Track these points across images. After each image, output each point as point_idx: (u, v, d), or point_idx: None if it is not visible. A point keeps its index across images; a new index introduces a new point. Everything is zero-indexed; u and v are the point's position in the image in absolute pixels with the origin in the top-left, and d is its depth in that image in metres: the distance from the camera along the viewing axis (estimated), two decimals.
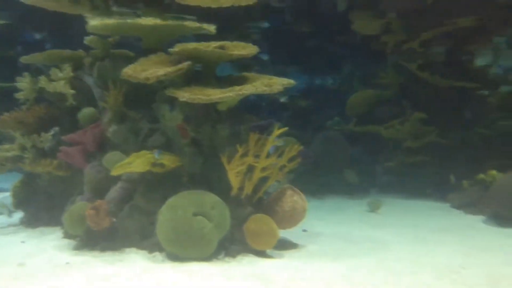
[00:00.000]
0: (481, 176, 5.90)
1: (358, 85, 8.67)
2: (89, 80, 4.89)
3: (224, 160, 4.04)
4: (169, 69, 3.92)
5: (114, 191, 4.35)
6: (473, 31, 6.54)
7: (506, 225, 5.15)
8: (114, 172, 4.13)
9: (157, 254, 4.01)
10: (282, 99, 8.49)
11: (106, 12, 4.63)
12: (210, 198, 3.98)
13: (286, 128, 4.24)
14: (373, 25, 7.07)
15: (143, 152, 4.14)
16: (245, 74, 4.49)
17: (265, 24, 7.99)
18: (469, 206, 5.95)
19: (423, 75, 6.89)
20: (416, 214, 5.87)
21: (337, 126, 8.26)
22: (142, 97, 4.55)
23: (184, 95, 3.81)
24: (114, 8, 4.76)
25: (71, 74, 4.83)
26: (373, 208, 6.12)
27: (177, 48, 4.11)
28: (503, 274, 3.55)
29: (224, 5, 4.23)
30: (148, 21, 4.18)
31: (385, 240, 4.63)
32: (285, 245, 4.35)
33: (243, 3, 4.25)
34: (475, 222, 5.44)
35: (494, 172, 5.74)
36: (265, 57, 9.03)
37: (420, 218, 5.66)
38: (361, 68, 9.38)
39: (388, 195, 7.10)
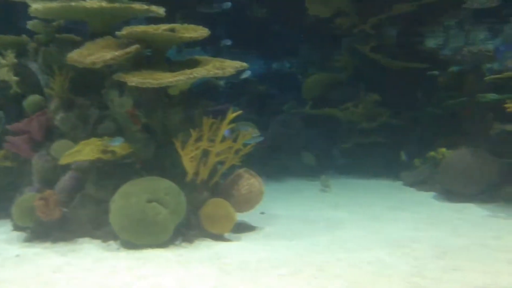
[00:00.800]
0: (432, 153, 6.08)
1: (314, 68, 8.72)
2: (34, 66, 4.70)
3: (177, 145, 3.98)
4: (117, 53, 3.80)
5: (64, 181, 4.21)
6: (422, 14, 6.67)
7: (455, 200, 5.35)
8: (63, 161, 4.00)
9: (111, 243, 3.93)
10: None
11: None
12: (164, 184, 3.92)
13: (240, 112, 4.22)
14: (327, 8, 7.10)
15: (93, 139, 4.03)
16: (197, 57, 4.42)
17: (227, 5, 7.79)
18: (421, 183, 6.14)
19: (376, 57, 7.00)
20: (370, 193, 6.01)
21: (294, 109, 8.29)
22: (91, 83, 4.41)
23: (133, 79, 3.71)
24: None
25: (14, 60, 4.62)
26: (324, 185, 6.25)
27: (125, 31, 3.99)
28: (450, 245, 3.69)
29: None
30: (93, 3, 4.03)
31: (341, 219, 4.72)
32: (242, 228, 4.36)
33: None
34: (426, 198, 5.62)
35: (443, 149, 5.92)
36: (228, 42, 8.90)
37: (374, 196, 5.80)
38: (317, 51, 9.43)
39: (344, 176, 7.23)
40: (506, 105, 4.65)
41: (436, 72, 6.72)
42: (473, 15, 7.50)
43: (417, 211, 4.97)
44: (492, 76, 5.37)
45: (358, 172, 7.19)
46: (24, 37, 4.83)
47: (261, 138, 5.81)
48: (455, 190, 5.44)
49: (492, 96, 5.67)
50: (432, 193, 5.80)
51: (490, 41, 9.37)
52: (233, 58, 4.40)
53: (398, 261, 3.36)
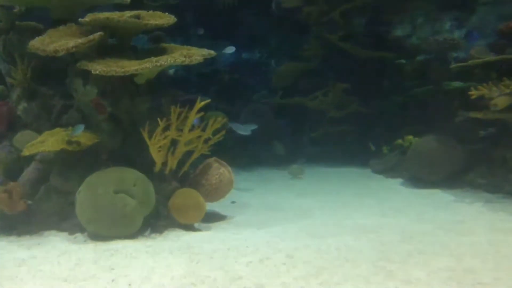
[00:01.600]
0: (399, 141, 6.18)
1: (284, 58, 8.72)
2: None
3: (145, 135, 3.92)
4: (80, 41, 3.70)
5: (28, 173, 4.11)
6: (390, 3, 6.74)
7: (422, 186, 5.46)
8: (26, 152, 3.89)
9: (78, 235, 3.86)
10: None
11: None
12: (132, 175, 3.86)
13: (209, 100, 4.19)
14: None
15: (57, 129, 3.94)
16: (164, 45, 4.37)
17: None
18: (389, 170, 6.24)
19: (344, 46, 7.04)
20: (339, 181, 6.08)
21: (264, 99, 8.29)
22: (54, 72, 4.30)
23: (97, 67, 3.63)
24: None
25: None
26: (295, 174, 6.29)
27: (88, 18, 3.89)
28: (415, 230, 3.77)
29: None
30: None
31: (310, 206, 4.75)
32: (213, 218, 4.35)
33: None
34: (394, 185, 5.72)
35: (410, 137, 6.02)
36: (201, 32, 8.80)
37: (343, 184, 5.86)
38: (287, 41, 9.42)
39: (314, 165, 7.28)
40: (470, 93, 4.74)
41: (403, 61, 6.81)
42: (439, 4, 7.61)
43: (384, 198, 5.05)
44: (457, 64, 5.47)
45: (328, 160, 7.25)
46: None
47: (255, 126, 5.83)
48: (421, 177, 5.54)
49: (457, 84, 5.79)
50: (399, 180, 5.90)
51: (456, 31, 9.55)
52: (202, 47, 4.36)
53: (365, 246, 3.41)
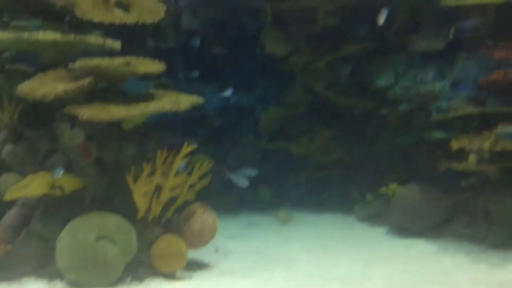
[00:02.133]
0: (383, 189, 6.22)
1: (271, 103, 8.86)
2: None
3: (129, 179, 3.90)
4: (69, 86, 3.74)
5: (9, 217, 4.03)
6: (372, 54, 6.95)
7: (406, 235, 5.46)
8: (8, 197, 3.83)
9: (57, 282, 3.77)
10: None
11: (1, 24, 4.33)
12: (115, 221, 3.82)
13: (196, 146, 4.21)
14: (283, 48, 7.31)
15: (41, 173, 3.90)
16: (153, 91, 4.41)
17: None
18: (373, 218, 6.24)
19: (328, 95, 7.19)
20: (324, 228, 6.05)
21: (250, 143, 8.35)
22: (41, 115, 4.30)
23: (85, 113, 3.65)
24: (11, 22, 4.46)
25: None
26: (282, 219, 6.28)
27: (78, 64, 3.94)
28: (401, 282, 3.75)
29: (128, 22, 4.13)
30: (47, 35, 3.96)
31: (295, 254, 4.72)
32: (195, 266, 4.28)
33: (148, 20, 4.18)
34: (378, 234, 5.71)
35: (394, 185, 6.07)
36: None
37: (328, 231, 5.84)
38: (273, 87, 9.60)
39: (300, 210, 7.25)
40: (451, 144, 4.84)
41: (386, 110, 6.95)
42: (421, 56, 7.87)
43: (369, 246, 5.04)
44: (438, 116, 5.62)
45: (313, 206, 7.24)
46: None
47: (255, 173, 5.84)
48: (405, 226, 5.56)
49: (438, 134, 5.91)
50: (384, 228, 5.90)
51: (438, 81, 9.83)
52: (190, 91, 4.43)
53: None
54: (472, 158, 4.55)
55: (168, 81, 4.93)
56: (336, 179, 7.24)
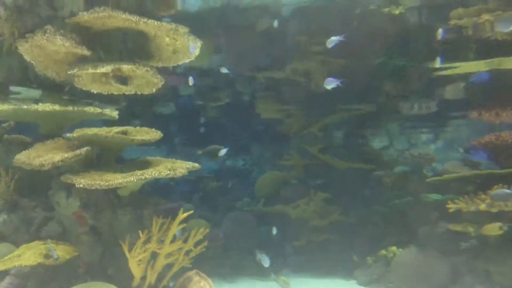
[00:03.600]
0: (383, 252, 6.15)
1: (266, 166, 8.94)
2: None
3: (125, 248, 3.86)
4: (66, 155, 3.79)
5: None
6: (366, 117, 7.12)
7: None
8: (2, 266, 3.77)
9: None
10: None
11: (1, 95, 4.46)
12: None
13: (192, 212, 4.20)
14: (278, 113, 7.50)
15: (35, 243, 3.86)
16: (149, 158, 4.46)
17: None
18: (374, 282, 6.11)
19: (323, 158, 7.28)
20: None
21: (247, 206, 8.32)
22: (38, 184, 4.32)
23: (81, 181, 3.67)
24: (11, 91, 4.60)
25: None
26: (282, 286, 6.13)
27: (76, 133, 4.02)
28: None
29: (127, 93, 4.26)
30: (46, 107, 4.07)
31: None
32: None
33: (146, 92, 4.31)
34: None
35: (394, 248, 6.01)
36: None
37: None
38: (268, 150, 9.73)
39: (299, 275, 7.11)
40: (448, 206, 4.86)
41: (381, 172, 7.02)
42: (414, 119, 8.05)
43: None
44: (433, 178, 5.68)
45: (312, 269, 7.11)
46: None
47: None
48: None
49: (435, 196, 5.93)
50: None
51: (431, 144, 10.01)
52: (187, 155, 4.48)
53: None
54: (471, 229, 4.58)
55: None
56: (335, 242, 7.16)
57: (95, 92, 4.29)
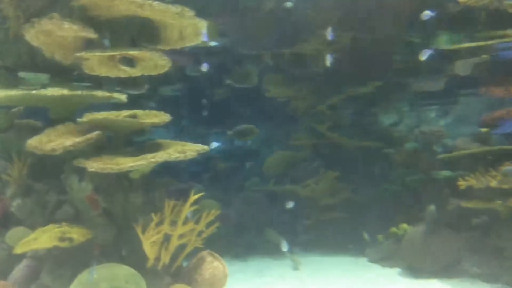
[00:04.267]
0: (394, 229, 6.17)
1: (275, 146, 8.94)
2: None
3: (138, 230, 3.91)
4: (77, 140, 3.81)
5: (19, 270, 4.04)
6: (375, 95, 7.05)
7: (419, 276, 5.38)
8: (18, 250, 3.83)
9: None
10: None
11: (10, 80, 4.46)
12: (124, 271, 3.80)
13: (203, 193, 4.23)
14: (286, 91, 7.44)
15: (50, 226, 3.91)
16: (159, 140, 4.48)
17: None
18: (385, 259, 6.16)
19: (332, 136, 7.25)
20: (337, 271, 5.95)
21: (256, 186, 8.35)
22: (49, 168, 4.36)
23: (93, 165, 3.70)
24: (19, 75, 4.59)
25: None
26: (296, 263, 6.22)
27: (86, 118, 4.03)
28: None
29: (134, 75, 4.26)
30: (55, 91, 4.05)
31: None
32: None
33: (153, 73, 4.30)
34: (391, 275, 5.63)
35: (405, 225, 6.03)
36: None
37: (341, 275, 5.75)
38: (277, 129, 9.70)
39: (310, 253, 7.17)
40: (459, 183, 4.84)
41: (391, 150, 6.98)
42: (423, 95, 7.97)
43: None
44: (444, 155, 5.65)
45: (323, 248, 7.16)
46: None
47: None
48: (418, 266, 5.48)
49: (446, 173, 5.91)
50: (396, 269, 5.82)
51: (441, 119, 9.92)
52: (195, 136, 4.49)
53: None
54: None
55: None
56: (345, 220, 7.19)
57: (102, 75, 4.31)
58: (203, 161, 9.79)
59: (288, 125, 8.53)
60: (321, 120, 7.31)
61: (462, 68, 6.10)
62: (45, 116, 4.77)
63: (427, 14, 4.80)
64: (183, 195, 4.28)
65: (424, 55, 5.09)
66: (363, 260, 6.42)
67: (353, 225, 7.06)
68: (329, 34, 4.91)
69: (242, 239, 7.41)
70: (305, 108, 7.50)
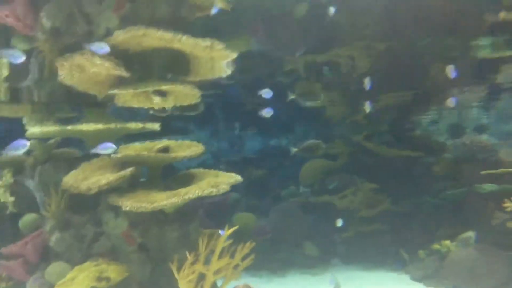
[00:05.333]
0: (436, 246, 5.96)
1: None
2: (31, 184, 4.68)
3: (173, 268, 3.89)
4: (111, 178, 3.81)
5: None
6: (412, 103, 6.81)
7: None
8: None
9: None
10: None
11: (46, 116, 4.53)
12: None
13: (236, 227, 4.13)
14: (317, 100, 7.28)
15: (87, 264, 3.95)
16: (192, 171, 4.45)
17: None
18: (429, 277, 5.94)
19: (369, 146, 7.06)
20: None
21: (292, 196, 8.24)
22: (87, 199, 4.39)
23: (127, 203, 3.70)
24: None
25: (11, 180, 4.63)
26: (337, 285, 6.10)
27: (120, 154, 4.03)
28: None
29: (166, 107, 4.24)
30: (90, 127, 4.09)
31: None
32: None
33: (185, 103, 4.27)
34: None
35: (447, 242, 5.82)
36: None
37: None
38: (312, 131, 9.56)
39: (350, 266, 7.04)
40: (505, 205, 4.60)
41: (431, 159, 6.74)
42: (464, 97, 7.65)
43: None
44: (488, 171, 5.39)
45: (362, 261, 7.01)
46: (21, 155, 4.85)
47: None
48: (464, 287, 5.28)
49: (490, 187, 5.65)
50: None
51: (484, 117, 9.53)
52: (231, 135, 4.42)
53: None
54: None
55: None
56: (385, 233, 7.01)
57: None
58: (239, 161, 9.80)
59: (324, 130, 8.37)
60: (357, 128, 7.13)
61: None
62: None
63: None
64: (218, 208, 4.23)
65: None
66: (405, 278, 6.23)
67: (393, 237, 6.88)
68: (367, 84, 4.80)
69: (280, 253, 7.31)
70: (340, 117, 7.32)
